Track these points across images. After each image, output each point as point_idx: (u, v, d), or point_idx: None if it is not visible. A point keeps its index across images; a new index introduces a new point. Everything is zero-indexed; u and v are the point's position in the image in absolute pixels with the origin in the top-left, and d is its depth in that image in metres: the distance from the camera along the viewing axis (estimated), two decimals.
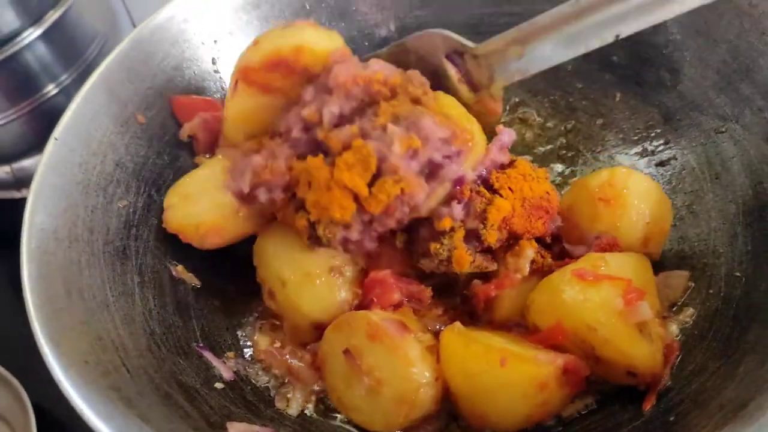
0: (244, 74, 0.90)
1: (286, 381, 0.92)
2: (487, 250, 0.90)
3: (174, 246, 1.00)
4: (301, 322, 0.91)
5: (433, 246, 0.88)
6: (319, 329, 0.90)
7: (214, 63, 1.12)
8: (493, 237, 0.87)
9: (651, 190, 0.93)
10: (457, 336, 0.84)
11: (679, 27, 1.02)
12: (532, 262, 0.89)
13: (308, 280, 0.89)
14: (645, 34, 1.05)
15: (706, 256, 0.92)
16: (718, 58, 0.98)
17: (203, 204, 0.93)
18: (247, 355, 0.95)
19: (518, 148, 1.13)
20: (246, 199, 0.90)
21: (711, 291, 0.88)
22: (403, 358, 0.81)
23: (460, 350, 0.82)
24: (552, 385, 0.78)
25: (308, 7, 1.17)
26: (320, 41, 0.90)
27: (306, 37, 0.90)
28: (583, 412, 0.85)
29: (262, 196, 0.87)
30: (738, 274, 0.87)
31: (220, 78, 1.13)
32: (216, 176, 0.95)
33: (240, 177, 0.89)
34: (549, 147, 1.14)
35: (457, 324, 0.86)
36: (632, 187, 0.92)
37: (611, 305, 0.79)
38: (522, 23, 0.93)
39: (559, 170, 1.12)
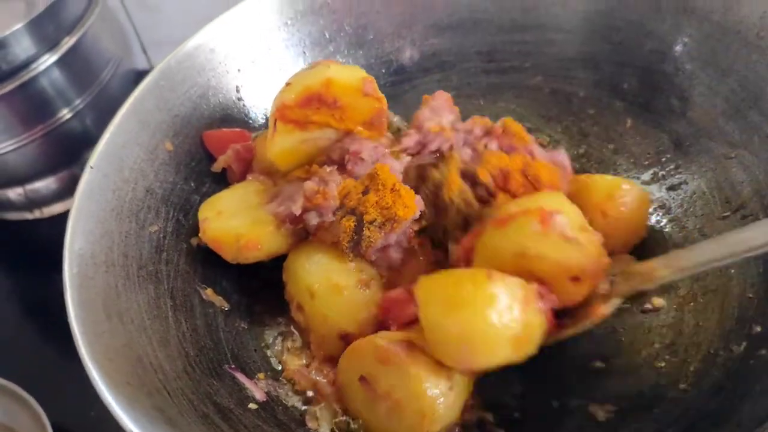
0: (282, 113, 0.97)
1: (314, 399, 0.95)
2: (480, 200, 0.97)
3: (203, 269, 1.04)
4: (328, 333, 0.95)
5: (431, 171, 0.95)
6: (345, 340, 0.93)
7: (237, 91, 1.16)
8: (486, 176, 0.95)
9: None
10: (437, 275, 0.86)
11: (688, 57, 1.06)
12: None
13: (336, 291, 0.94)
14: (655, 63, 1.11)
15: (719, 278, 0.96)
16: (727, 87, 1.02)
17: (242, 218, 0.98)
18: (276, 376, 0.98)
19: None
20: (294, 221, 0.95)
21: (725, 312, 0.92)
22: (414, 376, 0.83)
23: (442, 280, 0.85)
24: (533, 303, 0.82)
25: (328, 36, 1.21)
26: (344, 73, 0.97)
27: (332, 73, 0.96)
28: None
29: (313, 219, 0.93)
30: (750, 295, 0.91)
31: (244, 105, 1.17)
32: (249, 196, 1.01)
33: (290, 201, 0.94)
34: None
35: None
36: (630, 204, 0.99)
37: (530, 229, 0.85)
38: None
39: None
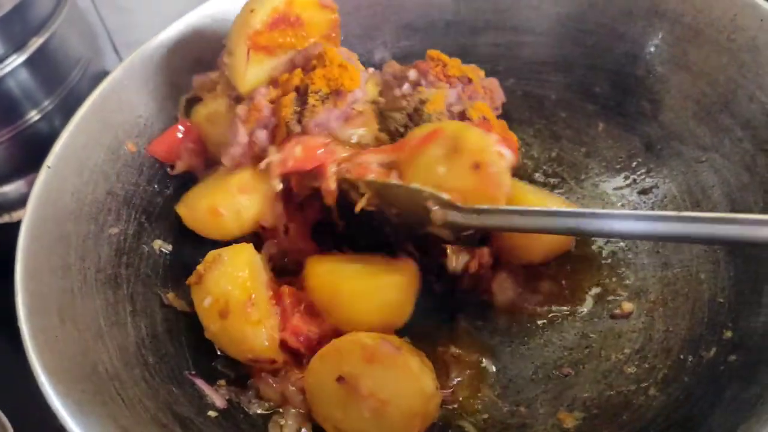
0: (254, 41, 0.94)
1: (280, 409, 0.93)
2: None
3: (165, 273, 1.01)
4: None
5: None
6: None
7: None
8: (474, 115, 0.98)
9: None
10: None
11: (660, 60, 1.06)
12: None
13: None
14: (626, 65, 1.10)
15: (689, 283, 0.95)
16: (698, 90, 1.02)
17: (216, 194, 0.98)
18: (241, 383, 0.95)
19: None
20: (253, 157, 0.94)
21: (695, 317, 0.91)
22: (408, 374, 0.83)
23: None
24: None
25: None
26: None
27: None
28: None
29: (261, 135, 0.93)
30: (721, 300, 0.90)
31: None
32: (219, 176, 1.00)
33: (235, 136, 0.94)
34: (534, 174, 1.16)
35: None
36: None
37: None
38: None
39: None
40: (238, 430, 0.88)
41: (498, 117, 1.04)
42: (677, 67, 1.04)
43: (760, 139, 0.93)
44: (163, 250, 1.03)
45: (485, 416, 0.91)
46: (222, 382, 0.94)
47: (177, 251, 1.05)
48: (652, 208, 1.05)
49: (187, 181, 1.09)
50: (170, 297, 0.98)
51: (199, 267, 0.93)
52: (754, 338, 0.81)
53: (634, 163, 1.10)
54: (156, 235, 1.03)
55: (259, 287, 0.91)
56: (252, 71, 0.96)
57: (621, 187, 1.10)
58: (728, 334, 0.85)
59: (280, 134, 0.94)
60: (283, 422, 0.91)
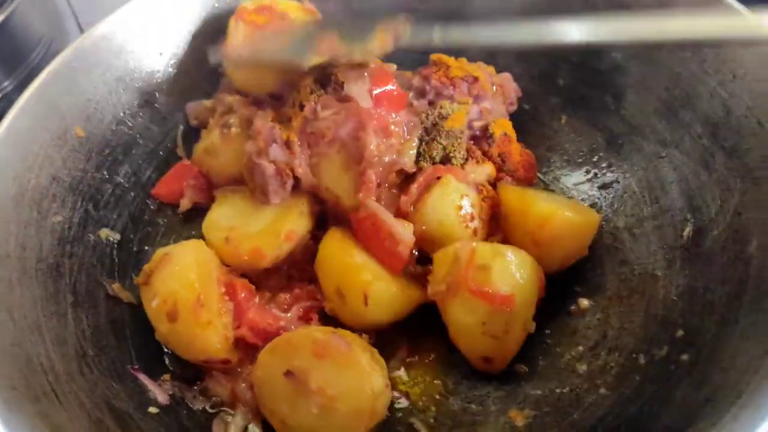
0: (241, 14, 1.04)
1: (226, 403, 0.90)
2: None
3: (111, 263, 0.98)
4: None
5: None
6: None
7: (158, 75, 1.10)
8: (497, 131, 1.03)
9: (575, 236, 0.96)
10: None
11: (622, 53, 1.04)
12: None
13: None
14: (590, 58, 1.08)
15: (645, 280, 0.93)
16: (660, 84, 1.00)
17: (256, 225, 0.97)
18: (187, 377, 0.92)
19: None
20: (278, 173, 0.95)
21: (649, 315, 0.90)
22: (358, 371, 0.81)
23: None
24: None
25: None
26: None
27: None
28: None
29: (275, 151, 0.94)
30: (675, 298, 0.89)
31: (164, 90, 1.10)
32: (238, 205, 1.01)
33: (263, 174, 0.94)
34: None
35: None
36: (563, 235, 0.94)
37: None
38: None
39: None
40: (180, 426, 0.86)
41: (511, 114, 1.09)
42: (640, 60, 1.02)
43: (719, 136, 0.92)
44: (111, 239, 1.00)
45: (436, 414, 0.89)
46: (166, 376, 0.91)
47: (125, 241, 1.02)
48: (612, 204, 1.04)
49: (138, 170, 1.06)
50: (115, 288, 0.95)
51: (147, 266, 0.90)
52: (706, 338, 0.80)
53: (596, 158, 1.08)
54: (103, 223, 0.99)
55: (209, 285, 0.89)
56: (237, 35, 1.03)
57: (582, 182, 1.08)
58: (680, 332, 0.84)
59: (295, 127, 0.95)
60: (230, 419, 0.88)
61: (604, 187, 1.06)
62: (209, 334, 0.87)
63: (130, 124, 1.07)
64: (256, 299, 0.95)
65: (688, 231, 0.93)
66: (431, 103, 1.00)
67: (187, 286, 0.87)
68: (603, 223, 1.02)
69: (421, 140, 0.97)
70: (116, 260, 0.99)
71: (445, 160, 0.98)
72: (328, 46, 0.93)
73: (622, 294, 0.94)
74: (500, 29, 0.87)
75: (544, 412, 0.86)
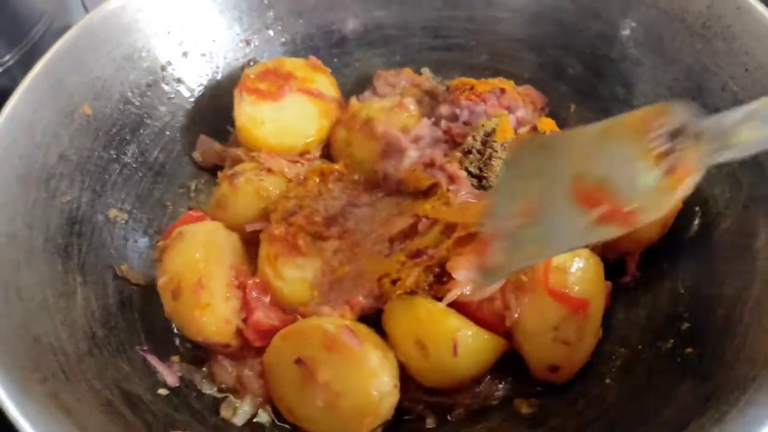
0: (244, 84, 1.06)
1: (234, 389, 0.91)
2: None
3: (119, 244, 0.98)
4: None
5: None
6: None
7: (166, 53, 1.09)
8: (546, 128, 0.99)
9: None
10: None
11: (634, 43, 1.03)
12: None
13: None
14: (601, 47, 1.08)
15: (652, 272, 0.94)
16: (671, 75, 1.00)
17: None
18: (196, 360, 0.93)
19: None
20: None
21: (655, 307, 0.90)
22: (365, 370, 0.80)
23: None
24: None
25: (266, 2, 1.15)
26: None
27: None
28: None
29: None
30: (681, 291, 0.89)
31: (173, 69, 1.10)
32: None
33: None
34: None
35: None
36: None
37: None
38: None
39: None
40: (189, 408, 0.86)
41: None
42: (651, 51, 1.02)
43: None
44: (119, 219, 1.00)
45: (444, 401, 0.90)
46: (176, 358, 0.92)
47: (132, 221, 1.02)
48: None
49: (145, 149, 1.06)
50: (124, 269, 0.95)
51: (160, 243, 0.91)
52: (711, 332, 0.81)
53: None
54: (111, 203, 0.99)
55: (215, 269, 0.89)
56: (243, 108, 1.04)
57: None
58: (686, 326, 0.85)
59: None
60: (238, 405, 0.89)
61: None
62: (206, 316, 0.87)
63: (137, 103, 1.06)
64: (267, 298, 0.93)
65: (696, 223, 0.93)
66: (467, 124, 0.98)
67: (191, 266, 0.89)
68: None
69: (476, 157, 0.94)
70: (125, 241, 0.98)
71: None
72: None
73: (629, 286, 0.95)
74: None
75: (549, 401, 0.87)
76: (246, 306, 0.90)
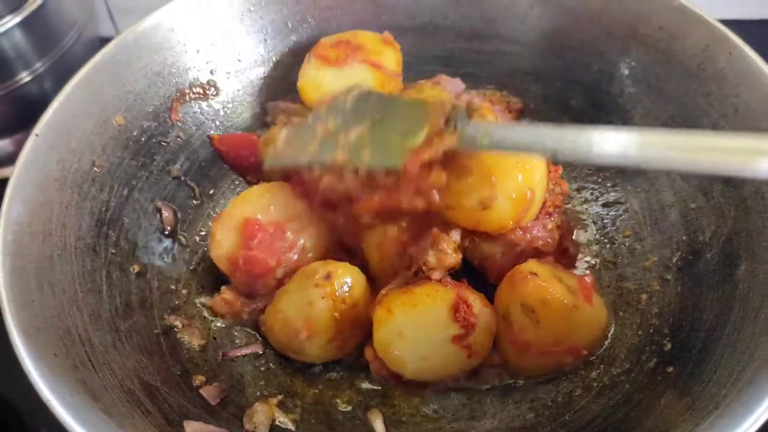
0: (317, 49, 1.14)
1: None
2: None
3: (142, 244, 1.05)
4: None
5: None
6: None
7: (194, 72, 1.16)
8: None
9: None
10: None
11: (633, 81, 1.10)
12: None
13: None
14: (602, 83, 1.14)
15: (640, 296, 1.00)
16: (666, 113, 1.06)
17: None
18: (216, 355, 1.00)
19: None
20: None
21: (641, 329, 0.96)
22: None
23: None
24: None
25: (290, 26, 1.22)
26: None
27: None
28: None
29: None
30: (666, 314, 0.95)
31: (201, 86, 1.17)
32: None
33: None
34: None
35: None
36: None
37: None
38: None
39: None
40: (203, 401, 0.92)
41: None
42: (648, 88, 1.09)
43: None
44: (144, 222, 1.07)
45: (435, 406, 0.96)
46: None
47: (158, 223, 1.09)
48: (614, 221, 1.10)
49: (170, 159, 1.12)
50: (146, 268, 1.02)
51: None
52: (692, 353, 0.87)
53: (601, 178, 1.15)
54: (137, 208, 1.06)
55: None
56: (308, 69, 1.12)
57: (588, 201, 1.15)
58: (668, 346, 0.91)
59: None
60: (256, 413, 0.94)
61: (607, 205, 1.13)
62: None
63: (165, 116, 1.13)
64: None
65: (683, 252, 0.99)
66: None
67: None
68: (604, 239, 1.09)
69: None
70: (148, 242, 1.05)
71: None
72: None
73: (618, 307, 1.01)
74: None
75: (538, 412, 0.93)
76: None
